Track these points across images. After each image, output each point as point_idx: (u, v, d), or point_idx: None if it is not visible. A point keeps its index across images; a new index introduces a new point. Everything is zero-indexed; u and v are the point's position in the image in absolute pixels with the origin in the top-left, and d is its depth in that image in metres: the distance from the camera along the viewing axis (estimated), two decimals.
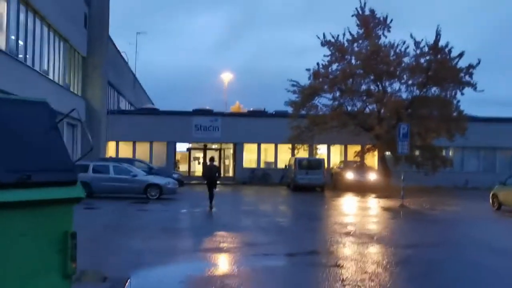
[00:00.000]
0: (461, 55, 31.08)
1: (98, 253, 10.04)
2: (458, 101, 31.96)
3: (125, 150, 35.92)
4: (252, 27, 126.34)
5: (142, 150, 36.13)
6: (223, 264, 9.74)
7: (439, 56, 31.30)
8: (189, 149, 38.39)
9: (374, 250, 11.19)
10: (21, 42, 21.45)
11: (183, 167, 38.30)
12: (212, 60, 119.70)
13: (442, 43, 31.10)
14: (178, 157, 38.42)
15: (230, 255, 10.40)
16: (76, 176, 4.91)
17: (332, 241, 12.17)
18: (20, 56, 21.29)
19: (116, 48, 40.17)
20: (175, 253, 10.56)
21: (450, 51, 31.16)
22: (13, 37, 20.31)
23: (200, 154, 38.64)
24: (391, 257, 10.34)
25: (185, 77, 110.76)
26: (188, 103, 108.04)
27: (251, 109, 41.65)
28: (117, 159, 28.08)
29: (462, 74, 31.16)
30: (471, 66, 30.93)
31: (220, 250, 10.78)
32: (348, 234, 13.26)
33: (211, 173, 19.65)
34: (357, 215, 19.06)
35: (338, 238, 12.52)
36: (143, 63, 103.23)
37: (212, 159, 21.12)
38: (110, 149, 35.78)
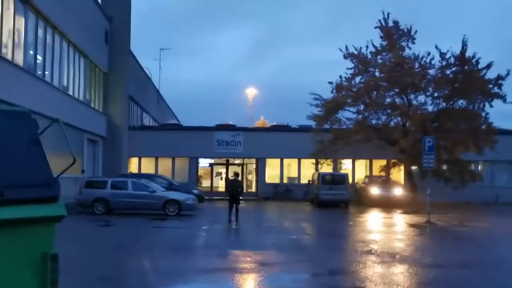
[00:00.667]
0: (489, 66, 30.27)
1: (108, 274, 9.63)
2: (487, 114, 31.11)
3: (148, 166, 35.82)
4: (277, 42, 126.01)
5: (165, 166, 35.93)
6: (237, 285, 9.20)
7: (466, 67, 30.52)
8: (211, 165, 38.10)
9: (397, 270, 10.52)
10: (40, 58, 21.46)
11: (206, 183, 37.98)
12: (237, 75, 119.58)
13: (468, 53, 30.36)
14: (201, 172, 38.16)
15: (247, 275, 9.87)
16: (57, 192, 4.48)
17: (354, 260, 11.53)
18: (39, 72, 21.28)
19: (139, 64, 40.25)
20: (191, 274, 10.04)
21: (477, 62, 30.39)
22: (31, 53, 20.32)
23: (222, 170, 38.30)
24: (416, 278, 9.68)
25: (210, 92, 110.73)
26: (213, 118, 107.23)
27: (274, 123, 41.21)
28: (137, 175, 27.87)
29: (490, 86, 30.29)
30: (500, 77, 30.08)
31: (236, 270, 10.23)
32: (371, 252, 12.59)
33: (233, 188, 19.44)
34: (382, 232, 18.42)
35: (360, 257, 11.86)
36: (168, 79, 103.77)
37: (236, 174, 20.83)
38: (133, 165, 35.73)
